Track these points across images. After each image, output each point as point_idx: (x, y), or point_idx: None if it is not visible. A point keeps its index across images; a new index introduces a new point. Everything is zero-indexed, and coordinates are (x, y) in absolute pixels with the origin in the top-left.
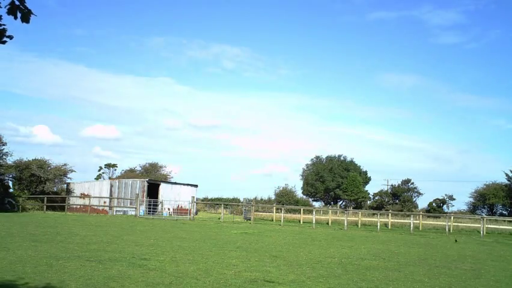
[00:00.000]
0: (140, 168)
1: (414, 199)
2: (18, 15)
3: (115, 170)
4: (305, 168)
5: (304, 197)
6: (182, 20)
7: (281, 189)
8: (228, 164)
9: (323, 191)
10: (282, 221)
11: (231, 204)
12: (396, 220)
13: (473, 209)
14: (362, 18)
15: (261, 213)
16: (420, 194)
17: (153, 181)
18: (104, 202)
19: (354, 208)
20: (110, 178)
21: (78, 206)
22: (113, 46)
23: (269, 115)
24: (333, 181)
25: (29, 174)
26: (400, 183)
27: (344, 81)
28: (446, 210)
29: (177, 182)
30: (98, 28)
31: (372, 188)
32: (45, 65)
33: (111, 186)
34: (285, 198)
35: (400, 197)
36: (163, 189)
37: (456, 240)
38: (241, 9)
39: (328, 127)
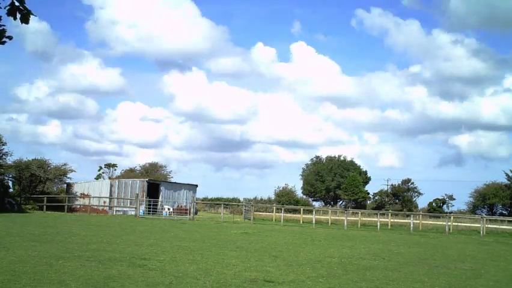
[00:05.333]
0: (140, 168)
1: (414, 199)
2: (18, 16)
3: (115, 169)
4: (305, 168)
5: (304, 197)
6: None
7: (281, 189)
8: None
9: (323, 191)
10: (282, 221)
11: (231, 204)
12: (396, 220)
13: (473, 209)
14: None
15: (261, 213)
16: (420, 194)
17: (153, 181)
18: (104, 202)
19: (354, 208)
20: (110, 178)
21: (78, 206)
22: None
23: None
24: (333, 181)
25: (29, 174)
26: (400, 183)
27: None
28: (446, 210)
29: (177, 182)
30: None
31: (372, 188)
32: None
33: (111, 186)
34: (285, 198)
35: (400, 197)
36: (163, 189)
37: None
38: None
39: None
